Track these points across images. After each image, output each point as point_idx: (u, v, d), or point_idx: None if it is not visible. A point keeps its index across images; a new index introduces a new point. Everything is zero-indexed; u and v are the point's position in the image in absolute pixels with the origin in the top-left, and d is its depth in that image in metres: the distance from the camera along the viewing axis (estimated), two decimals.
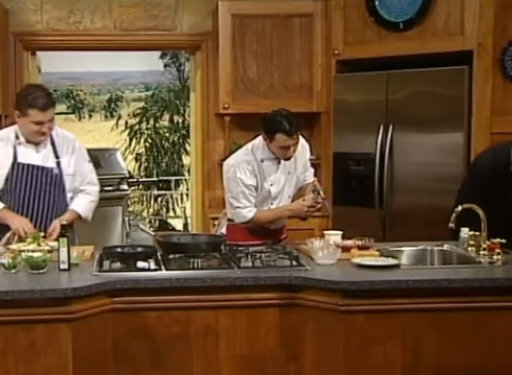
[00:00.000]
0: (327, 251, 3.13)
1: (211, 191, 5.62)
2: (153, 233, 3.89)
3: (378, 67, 4.78)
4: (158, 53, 12.69)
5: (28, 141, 3.61)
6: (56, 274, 2.94)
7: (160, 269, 3.01)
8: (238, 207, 3.63)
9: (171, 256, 3.17)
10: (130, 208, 9.80)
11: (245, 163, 3.63)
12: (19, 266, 2.96)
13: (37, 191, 3.59)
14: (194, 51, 5.71)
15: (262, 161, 3.66)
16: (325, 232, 3.44)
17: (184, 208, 9.79)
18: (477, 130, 4.37)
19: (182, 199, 10.76)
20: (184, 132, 10.98)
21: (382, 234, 4.69)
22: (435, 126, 4.55)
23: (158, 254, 3.22)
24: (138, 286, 2.86)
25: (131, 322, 2.88)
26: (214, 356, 2.93)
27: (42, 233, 3.34)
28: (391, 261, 3.10)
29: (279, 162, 3.68)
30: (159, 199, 10.91)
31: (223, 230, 3.78)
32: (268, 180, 3.67)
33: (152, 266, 3.04)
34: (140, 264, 3.04)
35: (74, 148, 3.71)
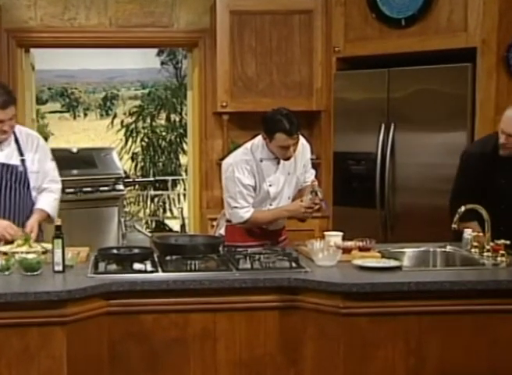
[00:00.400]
0: (327, 253, 3.12)
1: (209, 191, 5.59)
2: (149, 235, 3.83)
3: (380, 65, 4.73)
4: (155, 50, 12.69)
5: None
6: (50, 276, 2.91)
7: (157, 271, 2.99)
8: (235, 207, 3.60)
9: (168, 258, 3.15)
10: (126, 209, 9.77)
11: (243, 163, 3.60)
12: (13, 267, 2.93)
13: (2, 188, 3.55)
14: (192, 48, 5.68)
15: (261, 161, 3.62)
16: (326, 233, 3.43)
17: (181, 208, 9.72)
18: (480, 129, 4.31)
19: (179, 199, 10.73)
20: (181, 131, 10.96)
21: (383, 235, 4.66)
22: (438, 125, 4.51)
23: (155, 255, 3.19)
24: (134, 288, 2.84)
25: (127, 325, 2.86)
26: (212, 360, 2.91)
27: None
28: (393, 262, 3.09)
29: (278, 163, 3.64)
30: (156, 199, 10.88)
31: (222, 231, 3.76)
32: (267, 180, 3.63)
33: (149, 267, 3.02)
34: (137, 266, 3.01)
35: (38, 146, 3.68)
